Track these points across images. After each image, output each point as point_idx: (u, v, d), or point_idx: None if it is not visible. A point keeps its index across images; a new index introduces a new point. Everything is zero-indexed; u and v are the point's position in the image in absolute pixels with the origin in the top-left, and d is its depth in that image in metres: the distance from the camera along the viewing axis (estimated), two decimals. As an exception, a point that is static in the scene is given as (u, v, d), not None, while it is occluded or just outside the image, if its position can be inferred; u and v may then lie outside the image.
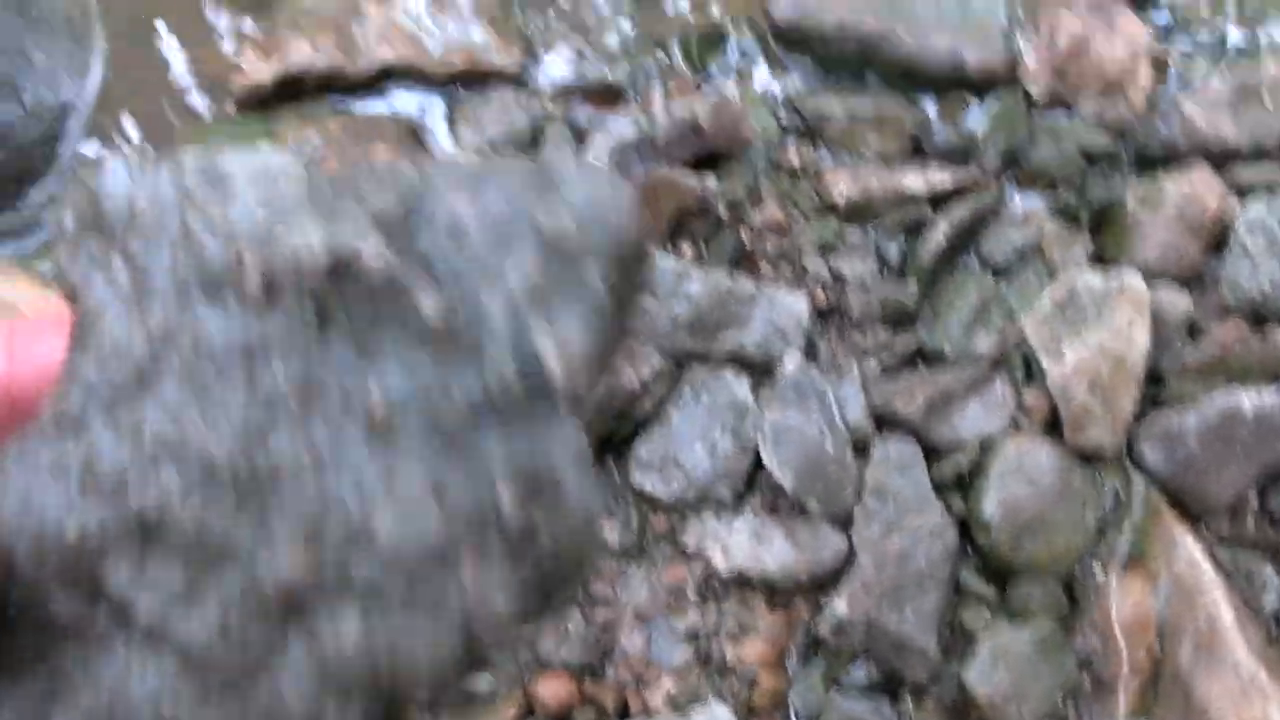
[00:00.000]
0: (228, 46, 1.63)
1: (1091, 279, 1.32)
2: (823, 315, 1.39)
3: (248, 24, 1.65)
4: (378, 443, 0.30)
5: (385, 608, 0.29)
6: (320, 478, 0.30)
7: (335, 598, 0.29)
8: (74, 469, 0.30)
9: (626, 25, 1.63)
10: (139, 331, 0.31)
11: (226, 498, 0.29)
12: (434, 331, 0.30)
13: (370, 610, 0.29)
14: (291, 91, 1.54)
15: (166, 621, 0.29)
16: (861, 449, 1.31)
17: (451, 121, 1.54)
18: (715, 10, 1.63)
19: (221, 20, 1.66)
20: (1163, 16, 1.60)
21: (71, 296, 0.32)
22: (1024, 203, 1.48)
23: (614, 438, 1.31)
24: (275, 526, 0.29)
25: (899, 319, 1.39)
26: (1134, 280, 1.30)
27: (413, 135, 1.51)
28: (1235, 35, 1.58)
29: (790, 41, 1.56)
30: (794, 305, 1.35)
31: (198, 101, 1.60)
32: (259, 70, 1.53)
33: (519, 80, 1.56)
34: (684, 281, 1.34)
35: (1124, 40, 1.51)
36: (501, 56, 1.55)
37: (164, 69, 1.63)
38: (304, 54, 1.53)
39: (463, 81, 1.56)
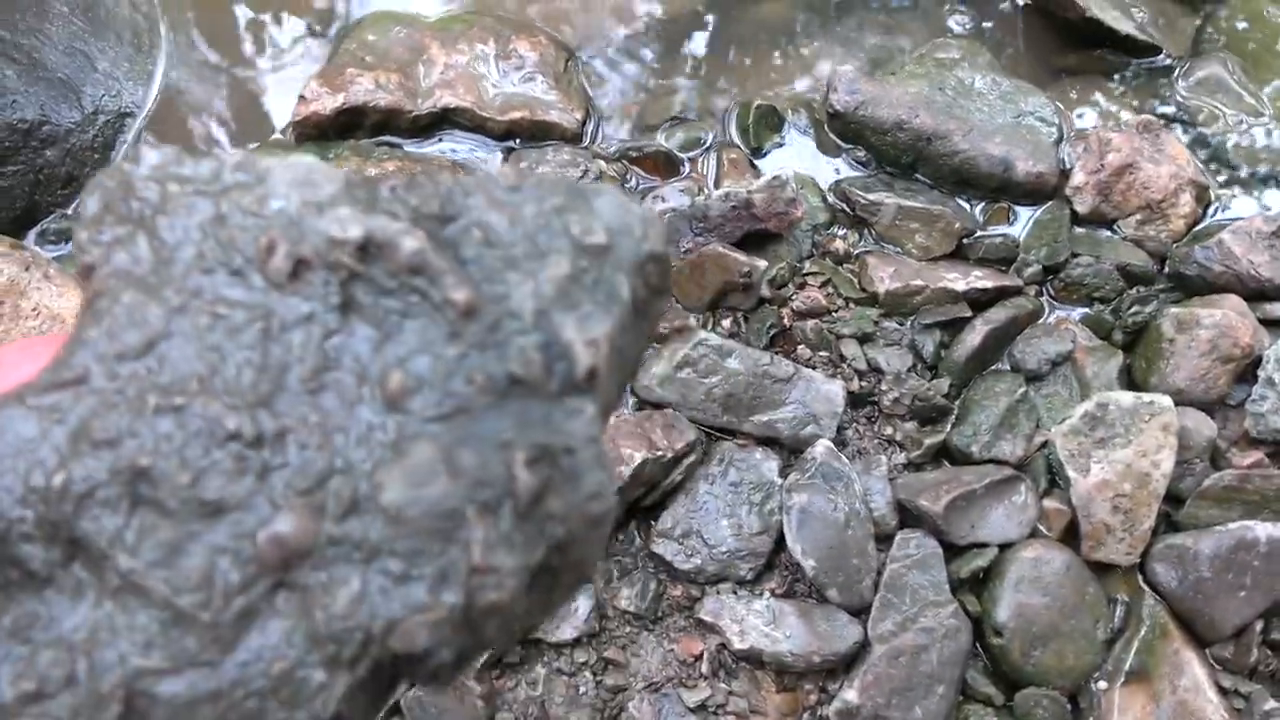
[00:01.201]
0: (292, 72, 1.65)
1: (1123, 398, 1.34)
2: (855, 403, 1.41)
3: (314, 52, 1.67)
4: (392, 413, 0.31)
5: (385, 571, 0.30)
6: (329, 442, 0.31)
7: (333, 558, 0.30)
8: (69, 421, 0.31)
9: (686, 97, 1.66)
10: (154, 304, 0.32)
11: (227, 455, 0.30)
12: (461, 318, 0.31)
13: (369, 573, 0.30)
14: (349, 125, 1.55)
15: (148, 573, 0.30)
16: (883, 540, 1.33)
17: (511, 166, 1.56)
18: (775, 92, 1.67)
19: (288, 45, 1.68)
20: (1209, 145, 1.65)
21: (86, 274, 0.33)
22: (1060, 313, 1.51)
23: (640, 504, 1.32)
24: (275, 484, 0.30)
25: (929, 415, 1.41)
26: (1165, 403, 1.32)
27: (469, 182, 1.52)
28: None
29: (846, 130, 1.59)
30: (830, 391, 1.36)
31: (255, 122, 1.61)
32: (321, 99, 1.55)
33: (576, 139, 1.58)
34: (723, 356, 1.35)
35: (1170, 165, 1.55)
36: (562, 114, 1.58)
37: (225, 86, 1.65)
38: (367, 89, 1.55)
39: (520, 134, 1.58)
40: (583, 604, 1.27)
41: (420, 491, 0.30)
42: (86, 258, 0.33)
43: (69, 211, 1.51)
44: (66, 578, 0.30)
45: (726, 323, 1.44)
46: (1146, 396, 1.34)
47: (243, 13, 1.73)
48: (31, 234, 1.48)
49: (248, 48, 1.70)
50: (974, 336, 1.42)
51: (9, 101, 1.47)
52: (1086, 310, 1.51)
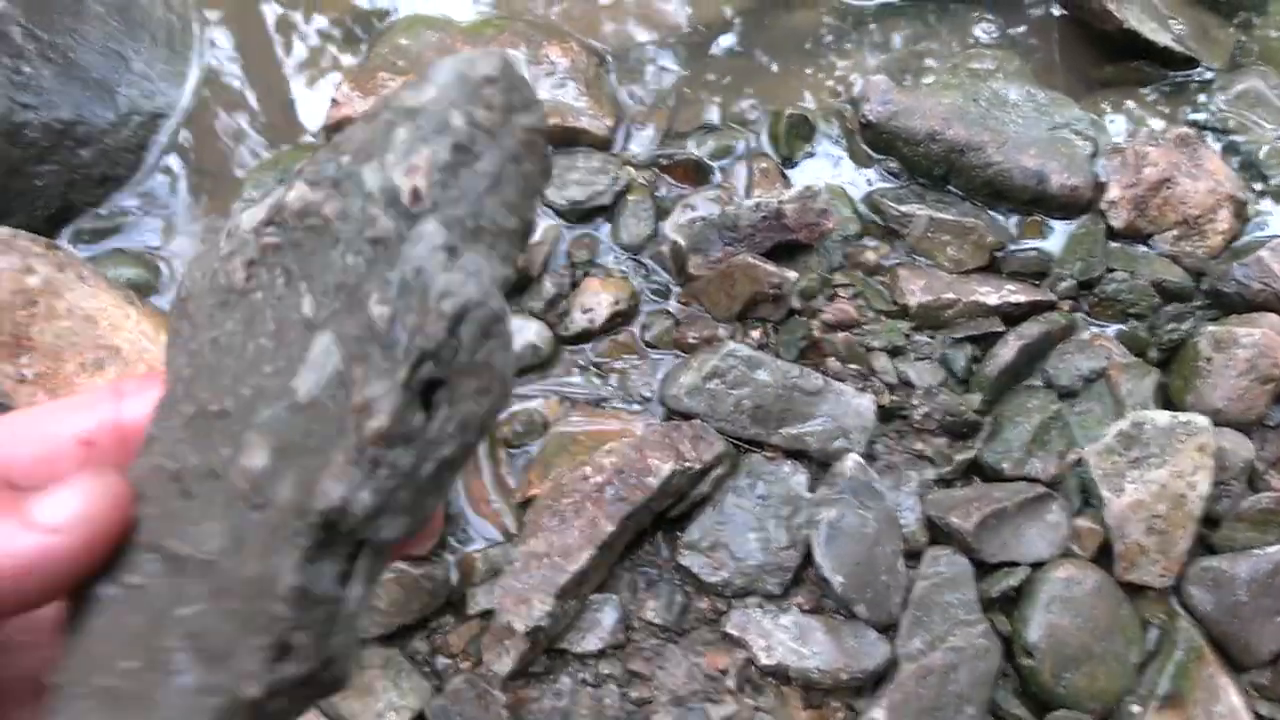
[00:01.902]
0: (324, 75, 1.65)
1: (1158, 417, 1.32)
2: (884, 417, 1.39)
3: (347, 55, 1.67)
4: (308, 332, 0.35)
5: (299, 454, 0.34)
6: (274, 381, 0.35)
7: (277, 469, 0.34)
8: (151, 464, 0.38)
9: (717, 105, 1.65)
10: (183, 358, 0.39)
11: (219, 433, 0.36)
12: (337, 226, 0.35)
13: (287, 460, 0.34)
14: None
15: (182, 545, 0.35)
16: (912, 557, 1.31)
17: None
18: (807, 101, 1.66)
19: (321, 48, 1.68)
20: (1248, 160, 1.62)
21: (181, 304, 0.40)
22: (1094, 329, 1.49)
23: (666, 514, 1.31)
24: (242, 434, 0.35)
25: (960, 430, 1.39)
26: (1202, 423, 1.30)
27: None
28: (1315, 187, 1.60)
29: (878, 140, 1.58)
30: (860, 405, 1.35)
31: (287, 124, 1.61)
32: (352, 102, 1.55)
33: (606, 145, 1.58)
34: (753, 368, 1.34)
35: (1208, 180, 1.53)
36: (592, 120, 1.57)
37: (258, 87, 1.65)
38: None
39: (550, 140, 1.57)
40: (608, 614, 1.26)
41: (321, 374, 0.34)
42: (181, 291, 0.41)
43: (102, 211, 1.51)
44: (148, 571, 0.37)
45: (755, 334, 1.43)
46: (1183, 416, 1.32)
47: (276, 15, 1.73)
48: (65, 233, 1.48)
49: (280, 50, 1.70)
50: (1006, 351, 1.41)
51: (45, 101, 1.48)
52: (1121, 327, 1.49)
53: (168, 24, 1.73)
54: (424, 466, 0.34)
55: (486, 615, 1.26)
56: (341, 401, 0.34)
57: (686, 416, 1.37)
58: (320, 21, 1.72)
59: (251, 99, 1.64)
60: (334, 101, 1.55)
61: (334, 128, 1.54)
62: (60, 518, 0.35)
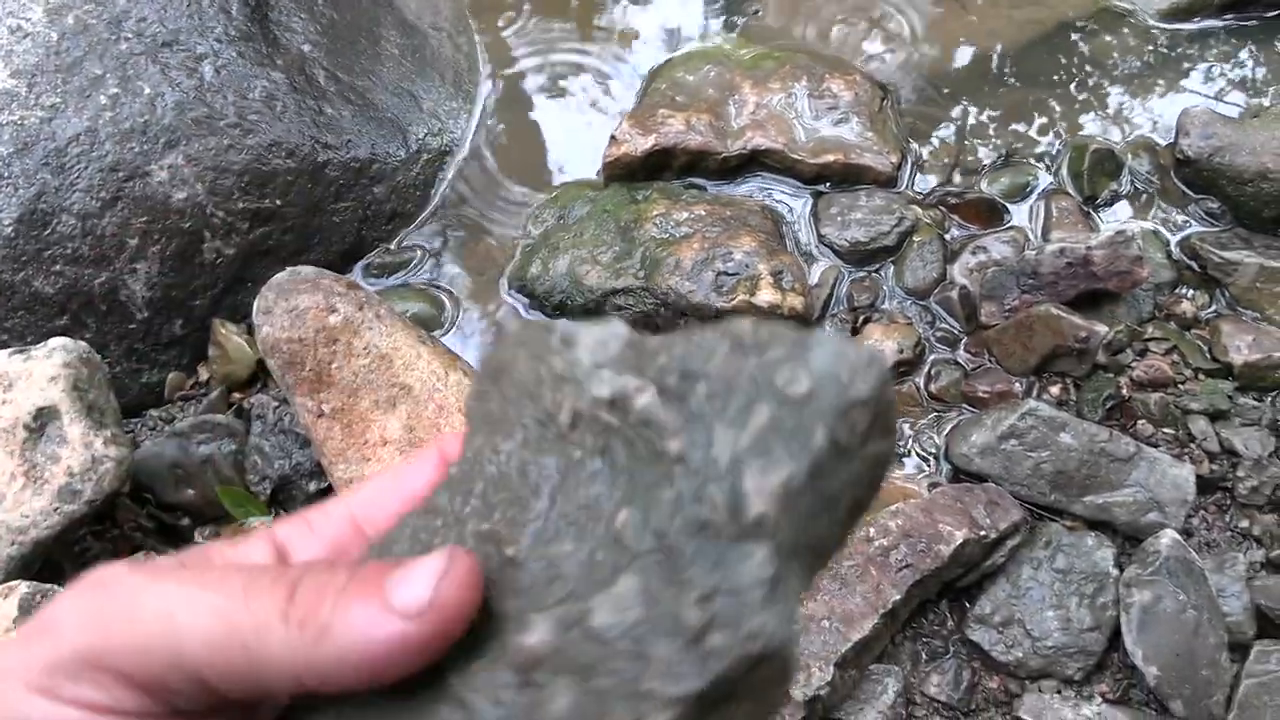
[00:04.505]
0: (603, 112, 1.66)
1: None
2: (1203, 489, 1.26)
3: (626, 90, 1.68)
4: (614, 550, 0.36)
5: (584, 687, 0.34)
6: (565, 568, 0.36)
7: (557, 667, 0.35)
8: (422, 540, 0.40)
9: (1011, 139, 1.55)
10: (488, 449, 0.41)
11: (505, 578, 0.37)
12: (674, 464, 0.36)
13: (574, 685, 0.34)
14: (658, 166, 1.54)
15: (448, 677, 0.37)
16: (1237, 650, 1.17)
17: (816, 217, 1.50)
18: (1113, 134, 1.53)
19: (601, 84, 1.70)
20: None
21: (469, 413, 0.44)
22: None
23: (955, 584, 1.22)
24: (529, 603, 0.36)
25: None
26: None
27: (776, 227, 1.47)
28: None
29: (1197, 178, 1.44)
30: (1179, 475, 1.22)
31: (567, 162, 1.63)
32: (632, 140, 1.54)
33: (891, 183, 1.50)
34: (1055, 429, 1.24)
35: None
36: (876, 156, 1.50)
37: (539, 125, 1.68)
38: (678, 130, 1.53)
39: (831, 177, 1.51)
40: (889, 687, 1.19)
41: (621, 617, 0.34)
42: (467, 410, 0.44)
43: (391, 246, 1.57)
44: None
45: (1055, 390, 1.33)
46: None
47: (557, 54, 1.76)
48: (358, 267, 1.55)
49: (561, 88, 1.72)
50: (1354, 421, 1.24)
51: (344, 141, 1.55)
52: None
53: (455, 63, 1.79)
54: None
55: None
56: (632, 660, 0.34)
57: (976, 478, 1.28)
58: (601, 57, 1.73)
59: (533, 136, 1.67)
60: (613, 139, 1.55)
61: (612, 165, 1.54)
62: (416, 602, 0.35)
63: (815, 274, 1.45)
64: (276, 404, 1.37)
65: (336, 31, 1.72)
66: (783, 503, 0.35)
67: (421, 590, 0.35)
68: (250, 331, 1.38)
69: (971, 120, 1.58)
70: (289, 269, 1.29)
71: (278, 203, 1.47)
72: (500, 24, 1.82)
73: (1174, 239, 1.43)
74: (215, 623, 0.35)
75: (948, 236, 1.46)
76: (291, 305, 1.24)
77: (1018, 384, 1.34)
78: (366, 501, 0.44)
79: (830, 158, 1.50)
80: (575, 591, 0.36)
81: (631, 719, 0.33)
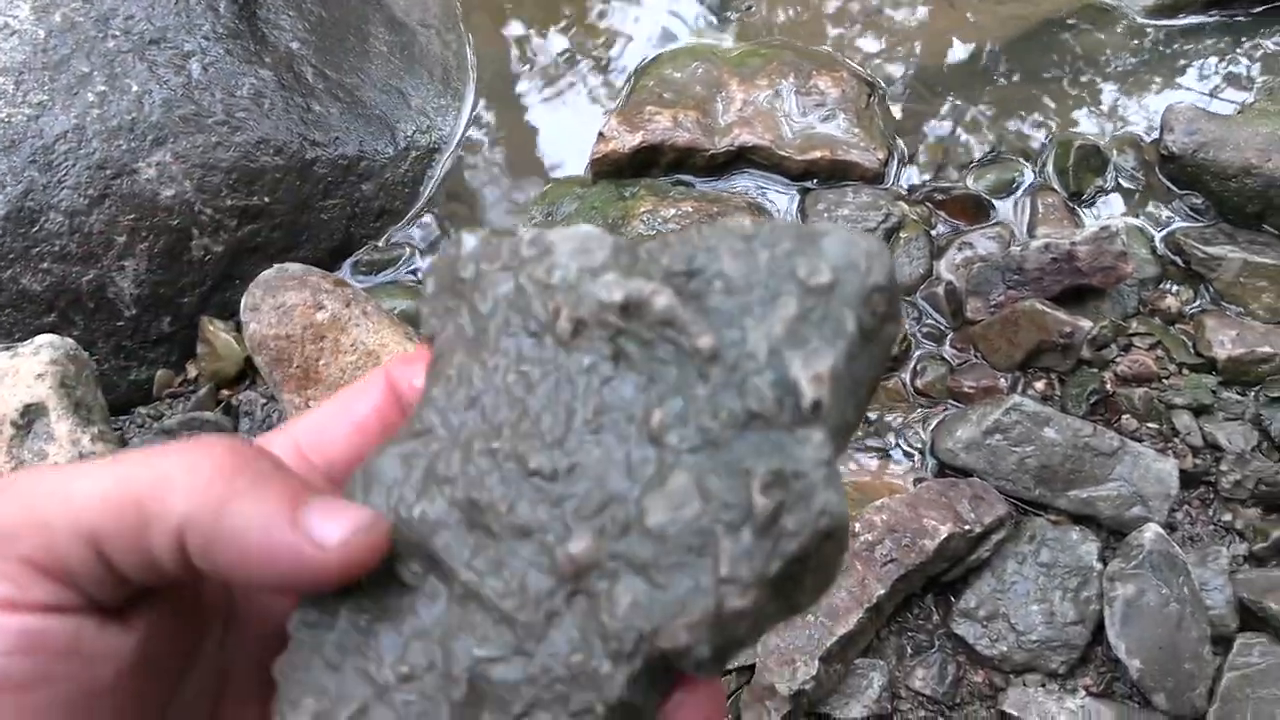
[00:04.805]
0: (591, 108, 1.66)
1: None
2: (1187, 483, 1.26)
3: (613, 86, 1.68)
4: (655, 449, 0.37)
5: (652, 582, 0.36)
6: (606, 473, 0.37)
7: (612, 570, 0.36)
8: (420, 464, 0.40)
9: (997, 135, 1.55)
10: (474, 363, 0.40)
11: (532, 488, 0.38)
12: (706, 362, 0.37)
13: (639, 583, 0.36)
14: (646, 162, 1.54)
15: (481, 582, 0.38)
16: (1220, 643, 1.18)
17: (803, 213, 1.50)
18: (1098, 131, 1.53)
19: (588, 81, 1.70)
20: None
21: (429, 341, 0.43)
22: None
23: (940, 578, 1.23)
24: (568, 510, 0.37)
25: (1276, 502, 1.24)
26: None
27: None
28: None
29: (1181, 174, 1.44)
30: (1162, 470, 1.23)
31: (555, 158, 1.63)
32: (620, 137, 1.55)
33: (878, 179, 1.51)
34: (1039, 424, 1.24)
35: None
36: (863, 153, 1.51)
37: (527, 122, 1.68)
38: (665, 127, 1.54)
39: (818, 174, 1.52)
40: (875, 681, 1.19)
41: (677, 514, 0.36)
42: (428, 328, 0.43)
43: (380, 243, 1.57)
44: (426, 586, 0.39)
45: (1040, 385, 1.33)
46: None
47: (545, 50, 1.76)
48: (346, 264, 1.55)
49: (549, 84, 1.72)
50: (1336, 415, 1.25)
51: (332, 138, 1.55)
52: None
53: (444, 60, 1.79)
54: (752, 636, 0.37)
55: (745, 671, 1.22)
56: (697, 553, 0.36)
57: (962, 472, 1.28)
58: (588, 55, 1.73)
59: (521, 132, 1.67)
60: (601, 135, 1.55)
61: (600, 162, 1.55)
62: (325, 538, 0.37)
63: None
64: (265, 401, 1.37)
65: (325, 29, 1.72)
66: (832, 387, 0.36)
67: (335, 530, 0.37)
68: (239, 328, 1.39)
69: (958, 116, 1.58)
70: (276, 266, 1.29)
71: (266, 200, 1.47)
72: (489, 21, 1.82)
73: (1158, 234, 1.44)
74: (112, 483, 0.35)
75: (934, 232, 1.47)
76: (279, 302, 1.25)
77: (1003, 379, 1.34)
78: (313, 429, 0.44)
79: (817, 154, 1.51)
80: (618, 494, 0.37)
81: (713, 606, 0.35)
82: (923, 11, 1.70)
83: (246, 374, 1.41)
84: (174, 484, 0.35)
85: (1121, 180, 1.49)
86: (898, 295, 0.39)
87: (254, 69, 1.55)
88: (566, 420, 0.38)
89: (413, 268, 1.54)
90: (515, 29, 1.80)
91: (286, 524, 0.36)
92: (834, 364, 0.36)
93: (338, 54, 1.71)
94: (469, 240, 0.42)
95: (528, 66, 1.74)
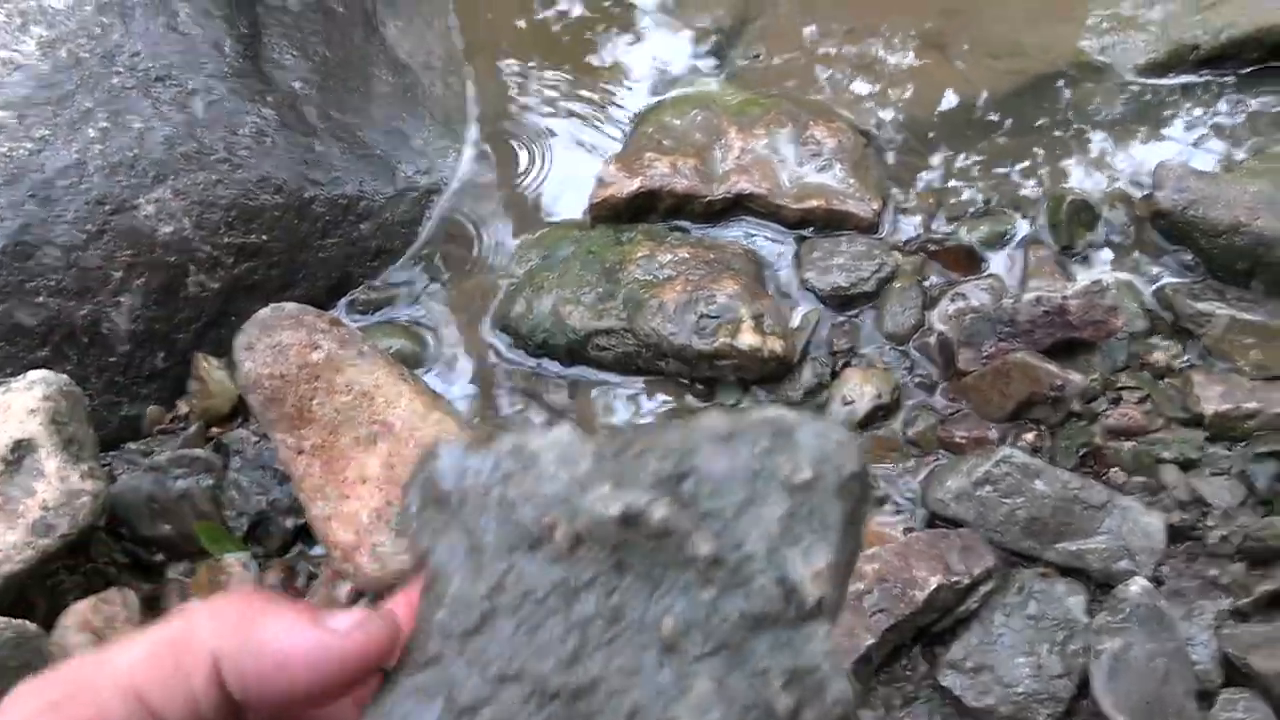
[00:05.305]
0: (590, 153, 1.68)
1: None
2: (1174, 537, 1.27)
3: (613, 132, 1.70)
4: (671, 656, 0.38)
5: None
6: (629, 684, 0.37)
7: None
8: (439, 696, 0.39)
9: (990, 188, 1.57)
10: (476, 584, 0.40)
11: (560, 707, 0.37)
12: (709, 567, 0.38)
13: None
14: (643, 208, 1.56)
15: None
16: (1205, 698, 1.18)
17: (798, 261, 1.51)
18: (1090, 185, 1.55)
19: (588, 126, 1.72)
20: None
21: (420, 561, 0.42)
22: None
23: (929, 629, 1.23)
24: None
25: (1262, 557, 1.25)
26: None
27: (758, 271, 1.49)
28: None
29: (1172, 230, 1.46)
30: (1149, 524, 1.23)
31: (553, 203, 1.65)
32: (618, 183, 1.56)
33: (872, 229, 1.52)
34: (1029, 476, 1.25)
35: None
36: (858, 203, 1.52)
37: (525, 166, 1.70)
38: (663, 173, 1.55)
39: (814, 223, 1.53)
40: (861, 732, 1.19)
41: (704, 718, 0.37)
42: (417, 546, 0.43)
43: (376, 283, 1.58)
44: None
45: (1029, 436, 1.34)
46: None
47: (546, 95, 1.78)
48: (341, 303, 1.56)
49: (550, 128, 1.74)
50: (1323, 473, 1.26)
51: (332, 178, 1.56)
52: None
53: (445, 103, 1.81)
54: None
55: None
56: None
57: (952, 523, 1.29)
58: (588, 101, 1.75)
59: (519, 176, 1.68)
60: (599, 180, 1.57)
61: (598, 207, 1.56)
62: (343, 625, 0.40)
63: (796, 317, 1.46)
64: (256, 439, 1.38)
65: (329, 69, 1.73)
66: (830, 579, 0.38)
67: (350, 619, 0.40)
68: (232, 366, 1.39)
69: (952, 168, 1.60)
70: (272, 305, 1.30)
71: (264, 238, 1.48)
72: (490, 64, 1.84)
73: (1148, 289, 1.45)
74: (147, 641, 0.39)
75: (927, 283, 1.48)
76: (274, 341, 1.25)
77: (993, 430, 1.35)
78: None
79: (813, 203, 1.52)
80: (642, 706, 0.38)
81: None
82: (919, 65, 1.72)
83: (238, 412, 1.42)
84: (201, 625, 0.39)
85: (1113, 235, 1.50)
86: (869, 475, 0.42)
87: (257, 108, 1.56)
88: (580, 636, 0.39)
89: (408, 309, 1.55)
90: (516, 72, 1.82)
91: (308, 624, 0.39)
92: (830, 559, 0.39)
93: (340, 94, 1.72)
94: (448, 453, 0.43)
95: (528, 110, 1.76)
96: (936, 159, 1.62)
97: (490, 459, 0.42)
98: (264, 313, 1.28)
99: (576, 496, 0.40)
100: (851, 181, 1.54)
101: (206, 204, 1.44)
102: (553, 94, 1.78)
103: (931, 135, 1.64)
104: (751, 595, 0.38)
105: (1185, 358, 1.39)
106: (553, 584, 0.39)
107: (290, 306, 1.31)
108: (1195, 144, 1.59)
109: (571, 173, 1.66)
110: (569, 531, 0.39)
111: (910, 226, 1.55)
